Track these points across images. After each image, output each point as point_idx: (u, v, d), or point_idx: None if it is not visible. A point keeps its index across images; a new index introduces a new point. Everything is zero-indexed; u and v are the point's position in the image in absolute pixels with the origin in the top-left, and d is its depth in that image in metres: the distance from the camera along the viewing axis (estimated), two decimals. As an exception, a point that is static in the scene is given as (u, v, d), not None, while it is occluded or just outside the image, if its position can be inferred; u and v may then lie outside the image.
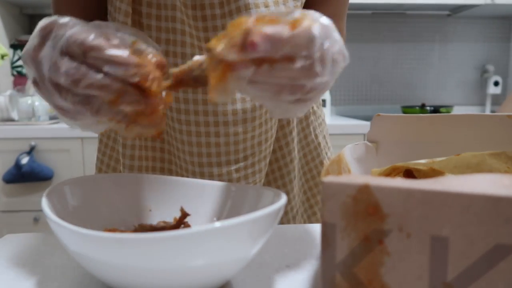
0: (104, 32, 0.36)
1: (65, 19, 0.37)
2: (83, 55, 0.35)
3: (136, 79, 0.35)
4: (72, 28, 0.36)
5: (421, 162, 0.41)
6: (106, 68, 0.35)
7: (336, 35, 0.34)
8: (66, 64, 0.35)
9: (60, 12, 0.59)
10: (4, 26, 1.99)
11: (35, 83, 0.38)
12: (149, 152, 0.62)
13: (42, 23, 0.37)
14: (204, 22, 0.55)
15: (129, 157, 0.62)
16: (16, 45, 2.02)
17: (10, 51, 2.01)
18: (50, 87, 0.36)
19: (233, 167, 0.60)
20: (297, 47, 0.32)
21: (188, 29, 0.55)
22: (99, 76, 0.35)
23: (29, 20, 2.23)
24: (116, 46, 0.36)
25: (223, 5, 0.55)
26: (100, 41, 0.35)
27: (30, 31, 2.22)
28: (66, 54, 0.35)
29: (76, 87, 0.35)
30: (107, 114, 0.37)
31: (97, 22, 0.38)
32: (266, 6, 0.55)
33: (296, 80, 0.33)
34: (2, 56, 1.79)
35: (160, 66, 0.38)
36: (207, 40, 0.55)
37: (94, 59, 0.35)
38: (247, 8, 0.54)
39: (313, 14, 0.34)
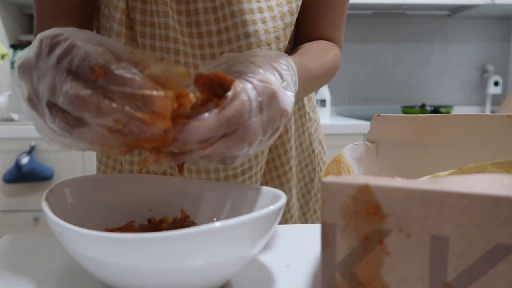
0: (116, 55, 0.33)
1: (70, 32, 0.34)
2: (93, 78, 0.31)
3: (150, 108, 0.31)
4: (82, 47, 0.32)
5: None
6: (117, 90, 0.31)
7: (276, 99, 0.37)
8: (69, 84, 0.31)
9: (42, 16, 0.57)
10: (4, 26, 1.99)
11: (30, 100, 0.35)
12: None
13: (44, 34, 0.34)
14: (200, 39, 0.54)
15: (128, 162, 0.61)
16: (16, 45, 2.02)
17: (10, 51, 2.01)
18: (44, 106, 0.33)
19: (231, 182, 0.60)
20: (229, 126, 0.34)
21: (183, 47, 0.54)
22: (105, 101, 0.31)
23: (29, 20, 2.23)
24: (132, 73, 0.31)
25: (219, 21, 0.54)
26: (121, 66, 0.31)
27: (30, 31, 2.22)
28: (72, 74, 0.32)
29: (74, 109, 0.31)
30: (103, 141, 0.32)
31: (99, 38, 0.35)
32: (264, 22, 0.54)
33: (232, 149, 0.35)
34: (2, 56, 1.79)
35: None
36: (203, 57, 0.55)
37: (105, 83, 0.31)
38: (244, 25, 0.54)
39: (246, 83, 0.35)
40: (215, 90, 0.35)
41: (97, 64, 0.31)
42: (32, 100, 0.35)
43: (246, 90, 0.35)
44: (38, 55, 0.34)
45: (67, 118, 0.32)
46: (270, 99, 0.36)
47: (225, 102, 0.34)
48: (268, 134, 0.37)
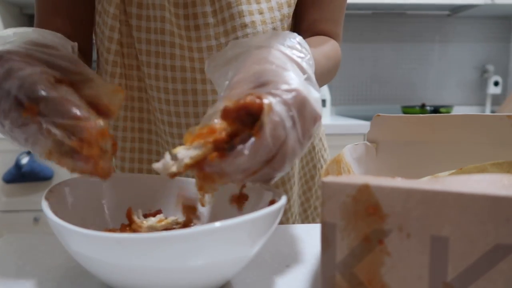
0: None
1: (13, 48, 0.37)
2: (25, 116, 0.36)
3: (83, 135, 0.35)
4: (19, 71, 0.36)
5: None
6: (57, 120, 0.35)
7: (305, 106, 0.34)
8: (11, 113, 0.36)
9: (44, 18, 0.58)
10: (4, 26, 1.99)
11: None
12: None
13: None
14: (197, 31, 0.54)
15: (120, 158, 0.61)
16: (16, 45, 2.02)
17: (10, 51, 2.00)
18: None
19: None
20: (268, 154, 0.32)
21: (179, 40, 0.54)
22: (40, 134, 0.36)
23: (29, 20, 2.23)
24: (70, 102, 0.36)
25: (216, 13, 0.54)
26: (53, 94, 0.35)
27: (30, 31, 2.22)
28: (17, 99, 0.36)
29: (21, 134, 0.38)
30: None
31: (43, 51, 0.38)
32: (261, 12, 0.54)
33: (275, 173, 0.34)
34: (2, 56, 1.79)
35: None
36: (200, 50, 0.55)
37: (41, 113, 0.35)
38: (240, 16, 0.53)
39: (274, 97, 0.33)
40: (243, 119, 0.33)
41: (28, 99, 0.35)
42: None
43: (276, 111, 0.32)
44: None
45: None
46: (300, 109, 0.33)
47: (261, 132, 0.32)
48: (305, 144, 0.35)
